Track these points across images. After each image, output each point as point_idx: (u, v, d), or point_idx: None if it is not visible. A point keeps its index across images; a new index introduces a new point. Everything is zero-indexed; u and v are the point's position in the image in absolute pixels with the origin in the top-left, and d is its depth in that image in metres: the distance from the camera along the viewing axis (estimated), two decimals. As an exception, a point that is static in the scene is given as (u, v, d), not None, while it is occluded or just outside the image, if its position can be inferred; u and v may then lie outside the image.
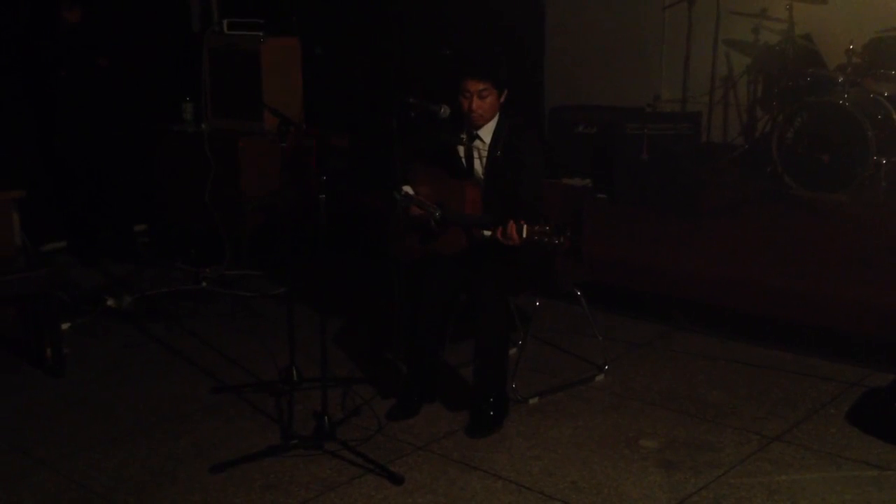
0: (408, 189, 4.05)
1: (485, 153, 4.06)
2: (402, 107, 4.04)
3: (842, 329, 4.46)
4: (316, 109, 6.51)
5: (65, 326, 4.85)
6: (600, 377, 4.40)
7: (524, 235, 3.63)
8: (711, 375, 4.40)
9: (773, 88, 6.40)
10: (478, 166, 4.10)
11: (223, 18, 6.59)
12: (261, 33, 6.26)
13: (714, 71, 6.66)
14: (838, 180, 5.79)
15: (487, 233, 3.83)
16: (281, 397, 4.17)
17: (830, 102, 5.80)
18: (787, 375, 4.35)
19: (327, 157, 6.22)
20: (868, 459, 3.61)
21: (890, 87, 5.84)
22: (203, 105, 6.45)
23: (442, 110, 4.00)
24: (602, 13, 6.98)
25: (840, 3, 6.17)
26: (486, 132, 4.06)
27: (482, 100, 3.97)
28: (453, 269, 4.03)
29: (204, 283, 5.77)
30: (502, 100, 4.03)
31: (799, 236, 5.36)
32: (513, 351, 4.32)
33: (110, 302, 5.34)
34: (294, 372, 4.12)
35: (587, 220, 4.92)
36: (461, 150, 4.12)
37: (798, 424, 3.90)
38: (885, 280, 4.62)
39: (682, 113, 6.66)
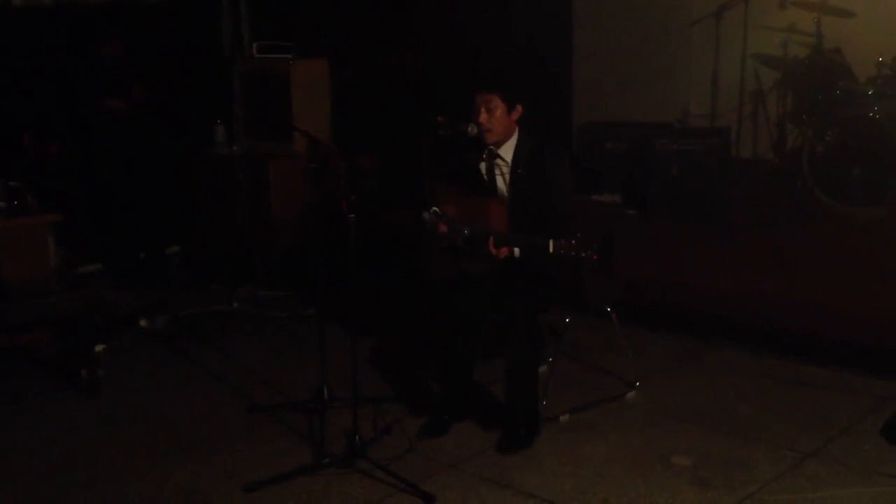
0: (436, 208, 4.06)
1: (507, 170, 4.06)
2: (431, 126, 4.06)
3: (875, 343, 4.41)
4: (345, 130, 6.56)
5: (99, 348, 4.90)
6: (632, 394, 4.38)
7: (550, 251, 3.62)
8: (743, 391, 4.37)
9: (803, 102, 6.34)
10: (500, 184, 4.10)
11: (253, 42, 6.68)
12: (290, 56, 6.33)
13: (743, 86, 6.62)
14: (870, 193, 5.72)
15: (517, 251, 3.84)
16: (313, 416, 4.20)
17: (862, 115, 5.75)
18: (820, 391, 4.32)
19: (356, 178, 6.26)
20: (905, 475, 3.57)
21: (922, 98, 5.78)
22: (235, 127, 6.53)
23: (470, 129, 4.01)
24: (629, 29, 6.97)
25: (869, 15, 6.11)
26: (507, 151, 4.06)
27: (489, 113, 3.95)
28: (483, 287, 4.03)
29: (236, 304, 5.82)
30: (515, 116, 4.02)
31: (831, 250, 5.31)
32: (543, 368, 4.32)
33: (143, 323, 5.40)
34: (325, 391, 4.15)
35: (618, 237, 4.92)
36: (483, 167, 4.12)
37: (832, 440, 3.86)
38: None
39: (712, 128, 6.63)
